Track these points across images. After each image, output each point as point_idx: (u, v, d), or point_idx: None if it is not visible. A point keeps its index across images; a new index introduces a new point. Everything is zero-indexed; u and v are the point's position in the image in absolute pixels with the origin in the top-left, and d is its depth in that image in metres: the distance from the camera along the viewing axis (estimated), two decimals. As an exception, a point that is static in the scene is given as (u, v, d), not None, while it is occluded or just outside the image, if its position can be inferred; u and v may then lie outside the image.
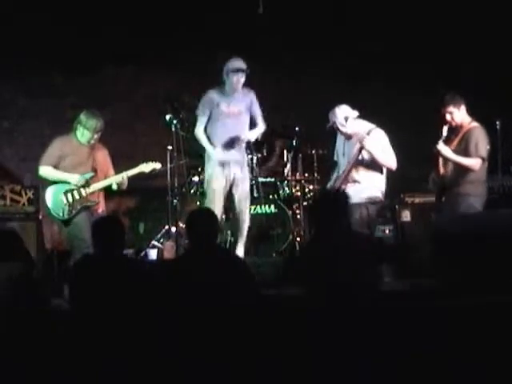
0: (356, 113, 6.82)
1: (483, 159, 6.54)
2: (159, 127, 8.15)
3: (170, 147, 7.72)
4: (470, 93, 6.95)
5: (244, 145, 7.19)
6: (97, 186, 6.80)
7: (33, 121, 8.85)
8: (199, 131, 7.15)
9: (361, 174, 6.78)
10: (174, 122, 7.67)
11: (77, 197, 6.70)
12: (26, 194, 7.50)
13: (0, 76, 8.66)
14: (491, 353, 4.74)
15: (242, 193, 7.15)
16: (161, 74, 9.17)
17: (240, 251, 7.09)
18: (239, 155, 7.14)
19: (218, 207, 6.91)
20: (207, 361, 4.33)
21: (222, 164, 7.07)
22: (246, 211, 7.19)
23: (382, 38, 9.10)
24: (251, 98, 7.14)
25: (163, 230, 8.28)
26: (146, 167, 7.04)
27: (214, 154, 7.06)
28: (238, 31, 9.01)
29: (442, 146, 6.51)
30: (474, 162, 6.49)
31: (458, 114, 6.63)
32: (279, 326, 4.79)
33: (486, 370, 4.64)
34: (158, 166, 7.10)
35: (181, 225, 7.83)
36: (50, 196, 6.75)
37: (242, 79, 7.03)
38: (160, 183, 8.23)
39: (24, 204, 7.48)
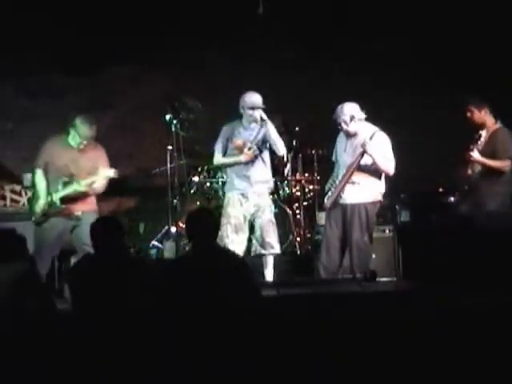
0: (363, 114, 6.82)
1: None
2: (159, 127, 8.16)
3: (170, 147, 7.72)
4: (470, 93, 6.97)
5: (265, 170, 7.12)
6: (62, 193, 6.63)
7: (33, 121, 8.85)
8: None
9: (360, 176, 6.78)
10: (174, 122, 7.67)
11: (42, 206, 6.67)
12: (25, 194, 7.50)
13: (0, 76, 8.66)
14: (491, 353, 4.74)
15: (265, 220, 7.01)
16: (161, 74, 9.17)
17: (269, 275, 7.06)
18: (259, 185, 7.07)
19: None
20: (207, 361, 4.33)
21: (242, 193, 7.00)
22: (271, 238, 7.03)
23: (382, 38, 9.10)
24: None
25: (163, 230, 8.28)
26: (103, 174, 6.67)
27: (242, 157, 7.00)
28: (238, 31, 9.02)
29: (475, 154, 6.61)
30: (504, 164, 6.69)
31: (478, 115, 6.77)
32: (279, 326, 4.79)
33: (486, 370, 4.65)
34: (112, 174, 6.68)
35: (181, 225, 7.82)
36: (32, 198, 6.78)
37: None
38: (160, 183, 8.24)
39: (24, 204, 7.48)
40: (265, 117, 6.92)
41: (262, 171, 7.03)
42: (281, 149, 7.07)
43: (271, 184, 7.20)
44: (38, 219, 6.63)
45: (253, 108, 6.90)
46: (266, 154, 7.07)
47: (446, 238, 6.11)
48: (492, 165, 6.67)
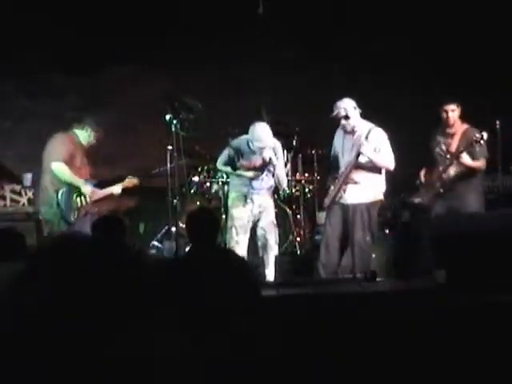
0: (359, 110, 6.87)
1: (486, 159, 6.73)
2: (159, 127, 8.15)
3: (170, 147, 7.71)
4: (470, 93, 6.97)
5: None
6: (100, 193, 6.88)
7: (33, 121, 8.85)
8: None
9: (360, 176, 6.79)
10: (174, 121, 7.66)
11: (84, 202, 6.75)
12: (25, 193, 7.50)
13: (0, 76, 8.66)
14: (491, 353, 4.74)
15: (268, 221, 7.07)
16: (161, 74, 9.17)
17: (270, 274, 7.04)
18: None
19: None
20: (207, 361, 4.32)
21: (245, 195, 7.02)
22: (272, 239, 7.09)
23: (382, 38, 9.09)
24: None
25: (163, 230, 8.27)
26: (131, 182, 7.18)
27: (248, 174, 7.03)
28: (238, 31, 9.01)
29: (466, 157, 6.64)
30: (482, 164, 6.73)
31: (458, 114, 6.77)
32: (279, 326, 4.79)
33: (486, 370, 4.64)
34: (136, 181, 7.28)
35: (181, 225, 7.82)
36: (64, 198, 6.71)
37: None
38: (160, 183, 8.23)
39: (24, 204, 7.48)
40: (274, 160, 6.97)
41: (264, 180, 7.06)
42: (283, 185, 7.25)
43: (272, 188, 7.24)
44: (78, 217, 6.69)
45: (262, 148, 6.92)
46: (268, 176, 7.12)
47: (445, 238, 6.10)
48: (474, 166, 6.71)
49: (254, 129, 6.95)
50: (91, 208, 6.82)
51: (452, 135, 6.80)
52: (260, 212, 6.99)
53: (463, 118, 6.89)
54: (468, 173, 6.75)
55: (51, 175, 6.69)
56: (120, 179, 7.38)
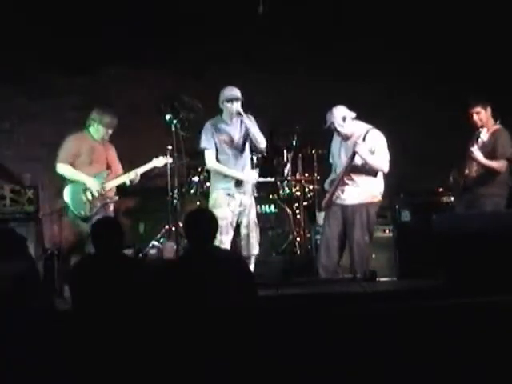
0: (353, 114, 6.83)
1: (509, 161, 6.68)
2: (159, 127, 8.15)
3: (169, 147, 7.71)
4: (471, 93, 6.97)
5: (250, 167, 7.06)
6: (113, 183, 7.01)
7: (33, 121, 8.85)
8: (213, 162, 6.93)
9: (358, 176, 6.79)
10: (174, 121, 7.67)
11: (96, 194, 6.82)
12: (25, 193, 7.50)
13: (0, 76, 8.66)
14: (491, 353, 4.74)
15: (250, 221, 6.88)
16: (161, 74, 9.17)
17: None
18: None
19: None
20: (207, 361, 4.33)
21: (228, 193, 6.88)
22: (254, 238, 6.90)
23: (382, 38, 9.10)
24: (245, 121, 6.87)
25: (163, 230, 8.28)
26: (159, 162, 7.25)
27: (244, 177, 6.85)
28: (238, 31, 9.01)
29: (476, 150, 6.59)
30: (501, 165, 6.68)
31: (485, 115, 6.76)
32: (279, 326, 4.79)
33: (486, 370, 4.65)
34: (170, 160, 7.34)
35: (181, 225, 7.82)
36: (70, 194, 6.84)
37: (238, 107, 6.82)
38: (160, 183, 8.23)
39: (24, 204, 7.48)
40: (241, 110, 6.80)
41: (246, 170, 6.95)
42: (261, 141, 6.90)
43: (254, 183, 7.06)
44: (92, 211, 6.73)
45: (231, 100, 6.80)
46: (249, 152, 7.02)
47: (446, 237, 6.11)
48: (489, 165, 6.66)
49: (223, 89, 6.86)
50: (110, 197, 6.92)
51: (481, 133, 6.75)
52: (241, 211, 6.84)
53: (495, 117, 6.85)
54: (487, 173, 6.68)
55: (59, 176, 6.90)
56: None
